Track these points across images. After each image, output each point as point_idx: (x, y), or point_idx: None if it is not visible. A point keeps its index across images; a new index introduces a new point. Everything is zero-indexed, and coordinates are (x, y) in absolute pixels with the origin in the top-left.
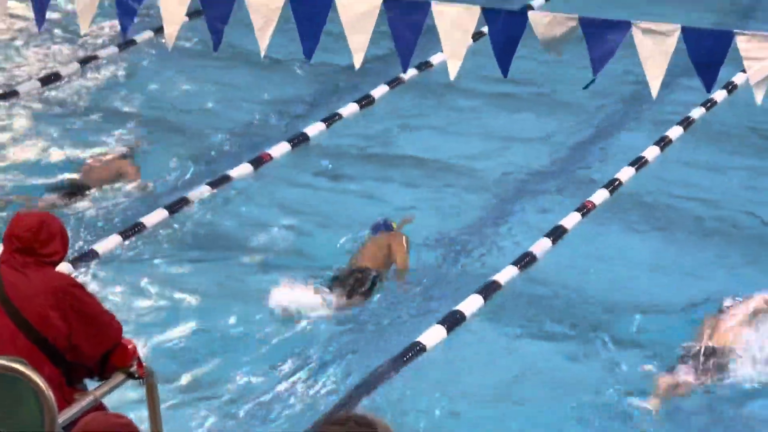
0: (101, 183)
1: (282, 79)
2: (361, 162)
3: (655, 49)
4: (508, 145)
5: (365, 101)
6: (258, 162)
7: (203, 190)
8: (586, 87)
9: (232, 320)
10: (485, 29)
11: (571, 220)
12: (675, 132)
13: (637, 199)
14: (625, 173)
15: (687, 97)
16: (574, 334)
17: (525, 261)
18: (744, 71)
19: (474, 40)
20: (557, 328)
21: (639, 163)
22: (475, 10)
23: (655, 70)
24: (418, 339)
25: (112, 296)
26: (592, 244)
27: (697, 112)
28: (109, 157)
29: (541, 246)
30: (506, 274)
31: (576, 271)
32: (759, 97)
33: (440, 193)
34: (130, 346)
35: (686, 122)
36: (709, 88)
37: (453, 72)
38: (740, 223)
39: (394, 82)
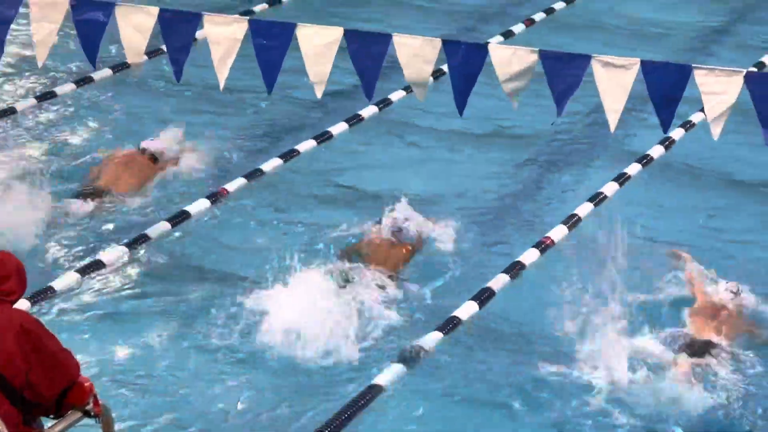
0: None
1: (242, 112)
2: (316, 198)
3: (614, 83)
4: (465, 181)
5: (323, 137)
6: (215, 197)
7: (162, 226)
8: (553, 123)
9: (193, 356)
10: (445, 67)
11: (530, 257)
12: (633, 168)
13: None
14: (584, 209)
15: (647, 133)
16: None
17: (483, 297)
18: (702, 110)
19: (434, 78)
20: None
21: (597, 198)
22: (436, 42)
23: (613, 104)
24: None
25: (69, 332)
26: (550, 280)
27: (656, 150)
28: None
29: (500, 281)
30: (467, 310)
31: (533, 306)
32: (716, 133)
33: None
34: (86, 384)
35: (645, 159)
36: (666, 125)
37: (421, 95)
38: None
39: (353, 119)
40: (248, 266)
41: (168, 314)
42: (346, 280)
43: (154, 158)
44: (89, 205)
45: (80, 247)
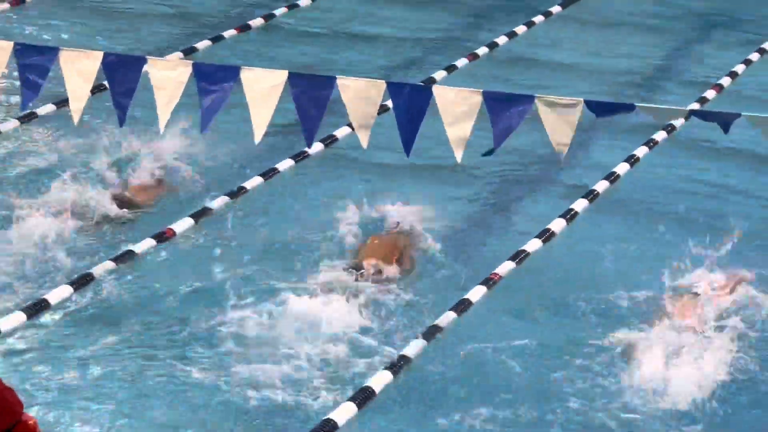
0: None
1: (186, 152)
2: (262, 236)
3: (559, 122)
4: (410, 217)
5: (270, 174)
6: (161, 237)
7: (107, 265)
8: (484, 154)
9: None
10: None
11: (477, 293)
12: (580, 204)
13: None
14: (533, 245)
15: (592, 168)
16: None
17: (431, 332)
18: (646, 144)
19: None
20: None
21: (546, 234)
22: (380, 84)
23: (561, 141)
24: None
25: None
26: (496, 319)
27: (601, 185)
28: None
29: (447, 318)
30: (414, 348)
31: (479, 342)
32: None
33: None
34: (30, 422)
35: (591, 194)
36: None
37: (364, 142)
38: (642, 299)
39: (299, 156)
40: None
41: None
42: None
43: (159, 181)
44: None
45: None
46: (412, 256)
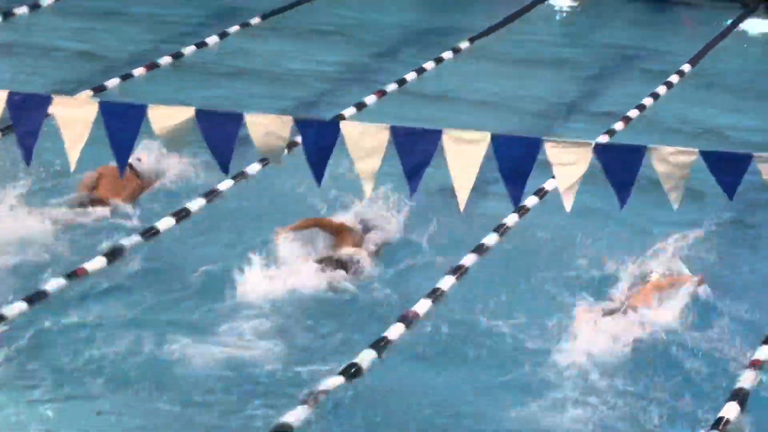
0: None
1: None
2: (174, 277)
3: (464, 158)
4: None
5: (182, 213)
6: (73, 276)
7: (19, 306)
8: (412, 193)
9: None
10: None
11: (366, 357)
12: (491, 239)
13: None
14: (446, 282)
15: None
16: None
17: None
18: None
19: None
20: None
21: (458, 271)
22: (287, 120)
23: (463, 180)
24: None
25: None
26: (387, 379)
27: (511, 219)
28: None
29: (333, 382)
30: (333, 382)
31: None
32: (568, 204)
33: (254, 318)
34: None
35: (501, 229)
36: (516, 201)
37: (277, 162)
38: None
39: (210, 195)
40: None
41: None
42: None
43: (137, 174)
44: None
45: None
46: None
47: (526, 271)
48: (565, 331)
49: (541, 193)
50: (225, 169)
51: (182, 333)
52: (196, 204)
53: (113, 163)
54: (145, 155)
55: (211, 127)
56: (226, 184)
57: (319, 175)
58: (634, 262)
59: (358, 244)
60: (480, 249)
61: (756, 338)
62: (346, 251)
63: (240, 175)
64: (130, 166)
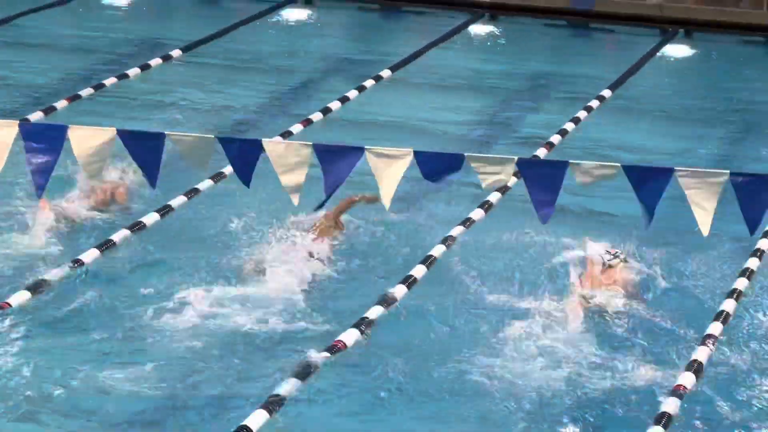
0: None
1: (14, 218)
2: (97, 313)
3: (389, 173)
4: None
5: (106, 245)
6: (36, 288)
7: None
8: (317, 208)
9: None
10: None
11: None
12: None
13: None
14: (375, 311)
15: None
16: None
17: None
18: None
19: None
20: None
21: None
22: (210, 138)
23: (389, 191)
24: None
25: None
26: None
27: (438, 250)
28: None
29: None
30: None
31: None
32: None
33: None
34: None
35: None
36: None
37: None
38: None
39: (135, 227)
40: None
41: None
42: None
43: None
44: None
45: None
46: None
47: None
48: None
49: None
50: (153, 183)
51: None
52: (151, 218)
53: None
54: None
55: (135, 146)
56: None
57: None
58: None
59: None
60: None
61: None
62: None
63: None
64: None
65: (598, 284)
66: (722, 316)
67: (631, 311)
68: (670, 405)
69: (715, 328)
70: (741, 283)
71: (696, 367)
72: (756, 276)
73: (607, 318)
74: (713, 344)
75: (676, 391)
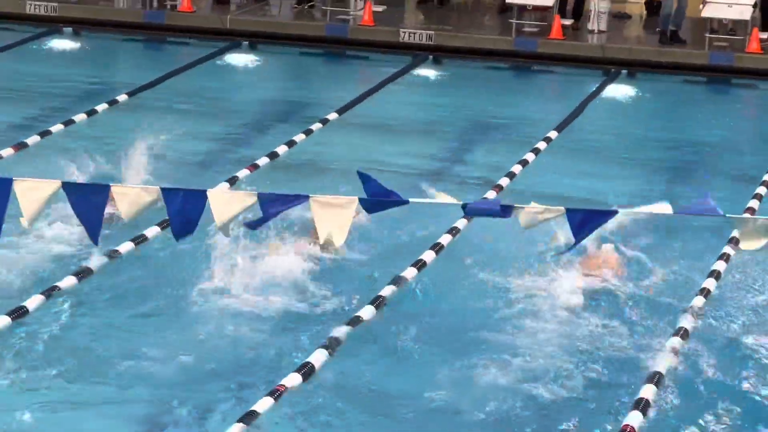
0: None
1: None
2: (41, 364)
3: (333, 222)
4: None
5: (51, 291)
6: (15, 314)
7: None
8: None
9: None
10: None
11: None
12: (367, 312)
13: None
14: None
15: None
16: None
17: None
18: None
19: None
20: None
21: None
22: (154, 190)
23: (335, 238)
24: None
25: None
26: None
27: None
28: None
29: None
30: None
31: None
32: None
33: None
34: None
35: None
36: None
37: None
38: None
39: (80, 274)
40: None
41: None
42: None
43: None
44: None
45: None
46: None
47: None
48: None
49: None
50: (95, 239)
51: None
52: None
53: None
54: None
55: (78, 198)
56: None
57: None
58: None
59: None
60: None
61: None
62: None
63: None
64: None
65: (594, 265)
66: (704, 292)
67: (620, 287)
68: (662, 363)
69: (698, 301)
70: (720, 266)
71: (682, 333)
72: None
73: (601, 292)
74: (697, 314)
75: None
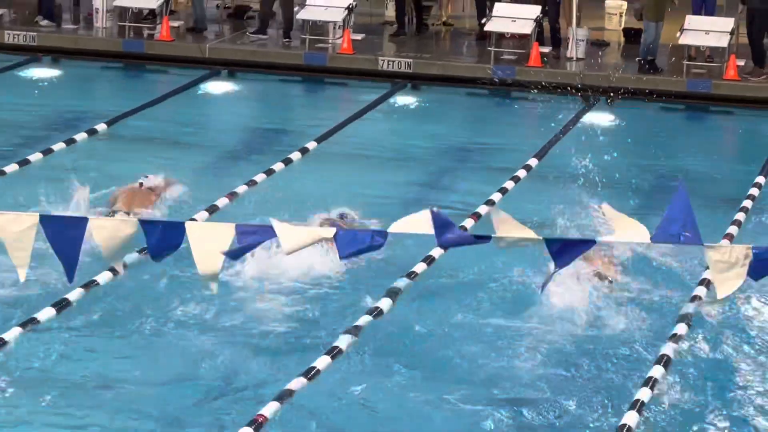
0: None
1: None
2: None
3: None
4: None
5: (31, 324)
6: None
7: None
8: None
9: None
10: None
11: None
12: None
13: None
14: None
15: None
16: None
17: None
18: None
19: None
20: None
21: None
22: (132, 222)
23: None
24: None
25: None
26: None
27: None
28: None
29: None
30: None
31: None
32: None
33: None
34: None
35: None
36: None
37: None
38: None
39: (60, 305)
40: None
41: None
42: None
43: (150, 189)
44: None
45: None
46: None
47: None
48: None
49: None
50: (70, 277)
51: None
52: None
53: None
54: (151, 176)
55: (55, 232)
56: None
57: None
58: None
59: None
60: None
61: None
62: None
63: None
64: (141, 185)
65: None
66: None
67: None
68: (668, 348)
69: (701, 290)
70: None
71: (688, 320)
72: None
73: (603, 286)
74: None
75: (673, 336)
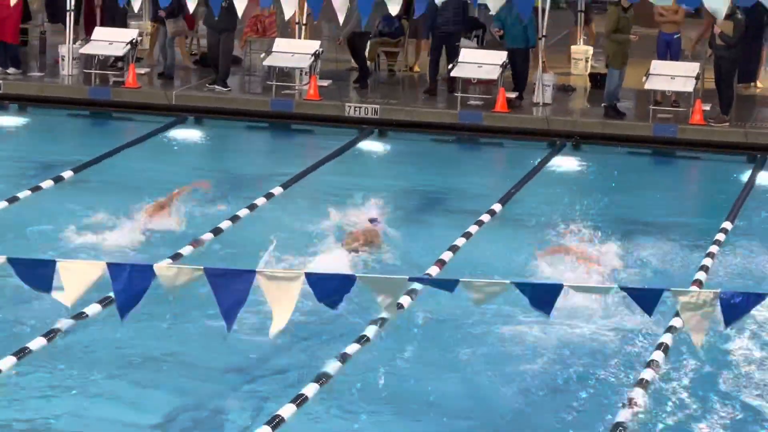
0: None
1: None
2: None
3: (283, 296)
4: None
5: (22, 353)
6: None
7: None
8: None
9: None
10: None
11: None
12: (311, 389)
13: None
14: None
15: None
16: None
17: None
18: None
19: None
20: None
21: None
22: (101, 264)
23: (281, 315)
24: None
25: None
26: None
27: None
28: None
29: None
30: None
31: None
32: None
33: None
34: None
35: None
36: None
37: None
38: None
39: (50, 334)
40: None
41: None
42: None
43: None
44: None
45: None
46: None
47: None
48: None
49: None
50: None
51: None
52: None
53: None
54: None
55: (25, 273)
56: None
57: (123, 311)
58: None
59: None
60: None
61: None
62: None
63: None
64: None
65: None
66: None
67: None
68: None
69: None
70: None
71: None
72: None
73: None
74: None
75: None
